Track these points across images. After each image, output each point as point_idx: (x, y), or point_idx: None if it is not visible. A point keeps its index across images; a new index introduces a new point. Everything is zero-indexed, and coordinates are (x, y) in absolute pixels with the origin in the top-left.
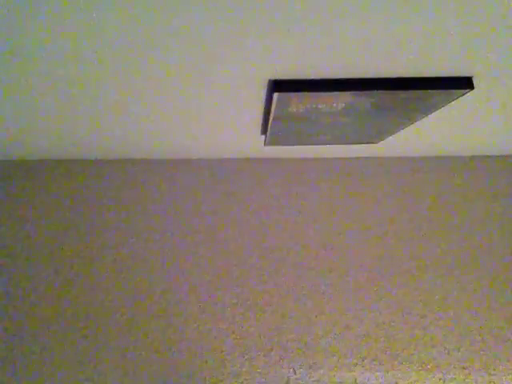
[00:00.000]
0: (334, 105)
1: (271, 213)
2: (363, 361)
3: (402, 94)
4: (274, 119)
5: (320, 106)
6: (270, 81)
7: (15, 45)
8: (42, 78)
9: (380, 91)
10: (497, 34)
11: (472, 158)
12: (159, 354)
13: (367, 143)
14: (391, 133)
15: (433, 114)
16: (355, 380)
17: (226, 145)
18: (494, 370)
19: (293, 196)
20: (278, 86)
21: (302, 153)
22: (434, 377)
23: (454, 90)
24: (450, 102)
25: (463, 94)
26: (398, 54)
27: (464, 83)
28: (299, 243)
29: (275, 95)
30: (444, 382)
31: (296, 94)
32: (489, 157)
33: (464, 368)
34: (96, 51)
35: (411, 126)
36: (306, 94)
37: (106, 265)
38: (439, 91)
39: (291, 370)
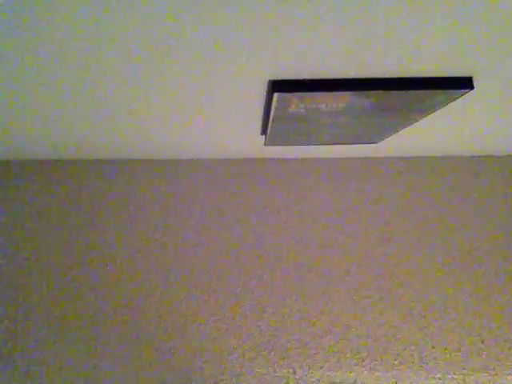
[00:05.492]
0: (334, 105)
1: (271, 213)
2: (363, 361)
3: (401, 94)
4: (273, 119)
5: (320, 106)
6: (269, 81)
7: (14, 45)
8: (42, 77)
9: (380, 91)
10: (497, 34)
11: (472, 158)
12: (159, 354)
13: (367, 143)
14: (391, 133)
15: (433, 114)
16: (355, 380)
17: (226, 145)
18: (494, 369)
19: (293, 196)
20: (278, 86)
21: (302, 153)
22: (434, 377)
23: (453, 90)
24: (449, 102)
25: (463, 94)
26: (398, 54)
27: (464, 83)
28: (299, 243)
29: (275, 95)
30: (444, 382)
31: (296, 94)
32: (489, 157)
33: (464, 368)
34: (96, 52)
35: (411, 126)
36: (305, 94)
37: (106, 265)
38: (439, 91)
39: (291, 370)
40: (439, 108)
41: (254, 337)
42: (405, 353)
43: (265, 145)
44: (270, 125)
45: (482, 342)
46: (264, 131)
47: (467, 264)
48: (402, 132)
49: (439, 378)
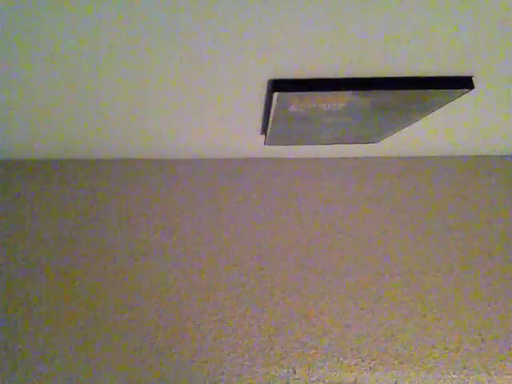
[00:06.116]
0: (334, 104)
1: (271, 212)
2: (363, 361)
3: (401, 94)
4: (273, 119)
5: (320, 106)
6: (269, 80)
7: (15, 45)
8: (43, 78)
9: (380, 91)
10: (497, 33)
11: (472, 158)
12: (159, 354)
13: (367, 143)
14: (391, 132)
15: (433, 113)
16: (355, 380)
17: (226, 145)
18: (494, 369)
19: (293, 196)
20: (278, 85)
21: (302, 152)
22: (434, 377)
23: (453, 90)
24: (449, 102)
25: (463, 94)
26: (397, 54)
27: (464, 83)
28: (299, 243)
29: (275, 95)
30: (444, 381)
31: (296, 93)
32: (489, 157)
33: (464, 368)
34: (97, 51)
35: (411, 125)
36: (305, 93)
37: (106, 265)
38: (439, 91)
39: (291, 370)
40: (439, 107)
41: (254, 337)
42: (405, 353)
43: (265, 145)
44: (269, 124)
45: (482, 341)
46: (264, 131)
47: (467, 264)
48: (402, 132)
49: (439, 378)
